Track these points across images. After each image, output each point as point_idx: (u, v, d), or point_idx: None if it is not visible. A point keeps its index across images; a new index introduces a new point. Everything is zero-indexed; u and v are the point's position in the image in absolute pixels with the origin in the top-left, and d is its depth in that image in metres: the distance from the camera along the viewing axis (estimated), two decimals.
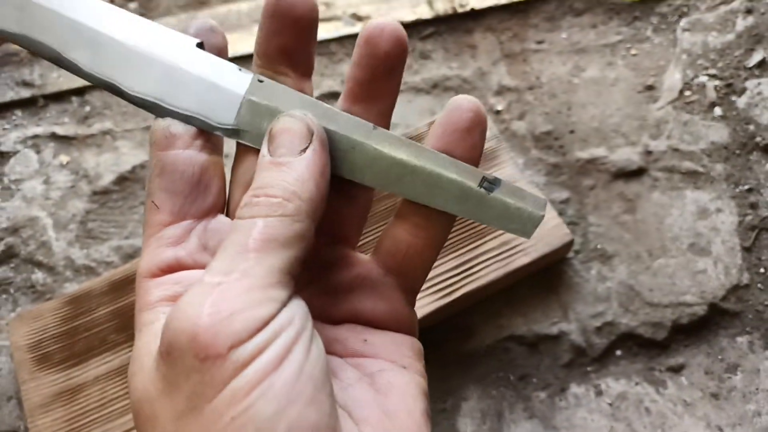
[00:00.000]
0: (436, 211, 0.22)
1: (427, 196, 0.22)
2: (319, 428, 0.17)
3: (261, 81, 0.22)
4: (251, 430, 0.16)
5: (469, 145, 0.22)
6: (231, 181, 0.24)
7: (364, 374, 0.22)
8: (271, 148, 0.20)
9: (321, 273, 0.24)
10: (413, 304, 0.24)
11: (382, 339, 0.23)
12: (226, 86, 0.22)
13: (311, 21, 0.22)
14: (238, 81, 0.22)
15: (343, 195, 0.23)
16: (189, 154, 0.22)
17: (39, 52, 0.22)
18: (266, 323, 0.17)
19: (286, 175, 0.20)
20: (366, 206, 0.25)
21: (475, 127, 0.22)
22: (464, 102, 0.22)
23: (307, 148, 0.20)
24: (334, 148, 0.22)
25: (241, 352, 0.17)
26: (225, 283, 0.18)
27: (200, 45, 0.23)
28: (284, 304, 0.18)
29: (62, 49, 0.22)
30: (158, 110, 0.22)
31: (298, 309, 0.19)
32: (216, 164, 0.23)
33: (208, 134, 0.22)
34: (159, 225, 0.21)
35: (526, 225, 0.22)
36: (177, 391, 0.17)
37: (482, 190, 0.22)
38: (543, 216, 0.22)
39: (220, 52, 0.23)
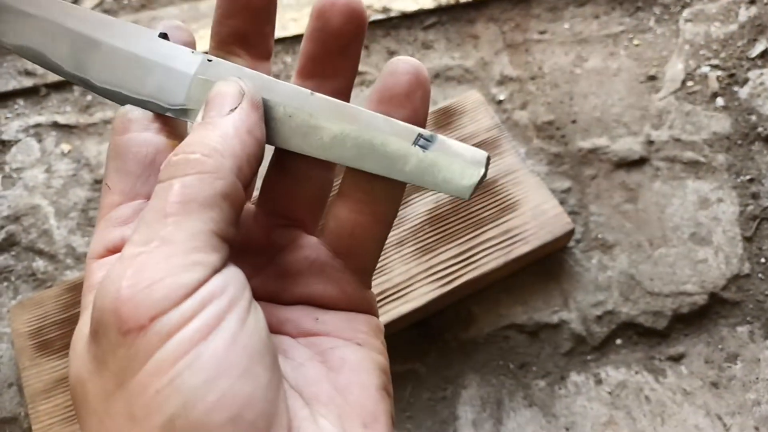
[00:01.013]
0: (379, 184, 0.21)
1: (362, 160, 0.21)
2: (253, 400, 0.16)
3: (210, 60, 0.22)
4: (178, 402, 0.16)
5: (410, 111, 0.21)
6: None
7: (316, 352, 0.21)
8: (204, 113, 0.20)
9: (272, 256, 0.23)
10: (368, 285, 0.23)
11: (335, 317, 0.22)
12: (177, 68, 0.22)
13: (267, 3, 0.22)
14: (190, 62, 0.22)
15: (294, 175, 0.23)
16: (144, 137, 0.21)
17: (27, 56, 0.23)
18: (193, 290, 0.17)
19: (209, 133, 0.19)
20: (322, 188, 0.24)
21: (415, 91, 0.21)
22: (401, 65, 0.21)
23: (236, 108, 0.20)
24: (271, 118, 0.21)
25: (164, 322, 0.16)
26: (144, 253, 0.17)
27: (164, 36, 0.23)
28: (216, 270, 0.17)
29: (48, 52, 0.23)
30: (119, 98, 0.23)
31: (233, 277, 0.18)
32: (174, 147, 0.22)
33: (167, 119, 0.22)
34: (110, 206, 0.21)
35: (461, 184, 0.20)
36: (105, 370, 0.17)
37: (417, 147, 0.20)
38: (482, 174, 0.20)
39: (186, 46, 0.23)
